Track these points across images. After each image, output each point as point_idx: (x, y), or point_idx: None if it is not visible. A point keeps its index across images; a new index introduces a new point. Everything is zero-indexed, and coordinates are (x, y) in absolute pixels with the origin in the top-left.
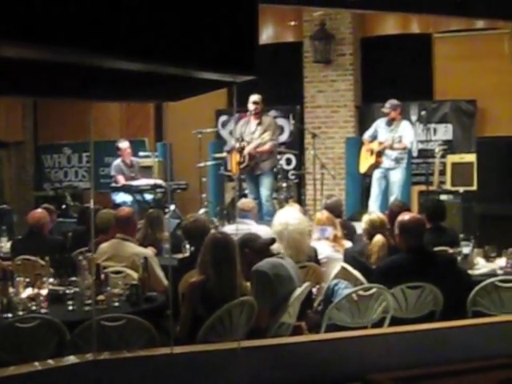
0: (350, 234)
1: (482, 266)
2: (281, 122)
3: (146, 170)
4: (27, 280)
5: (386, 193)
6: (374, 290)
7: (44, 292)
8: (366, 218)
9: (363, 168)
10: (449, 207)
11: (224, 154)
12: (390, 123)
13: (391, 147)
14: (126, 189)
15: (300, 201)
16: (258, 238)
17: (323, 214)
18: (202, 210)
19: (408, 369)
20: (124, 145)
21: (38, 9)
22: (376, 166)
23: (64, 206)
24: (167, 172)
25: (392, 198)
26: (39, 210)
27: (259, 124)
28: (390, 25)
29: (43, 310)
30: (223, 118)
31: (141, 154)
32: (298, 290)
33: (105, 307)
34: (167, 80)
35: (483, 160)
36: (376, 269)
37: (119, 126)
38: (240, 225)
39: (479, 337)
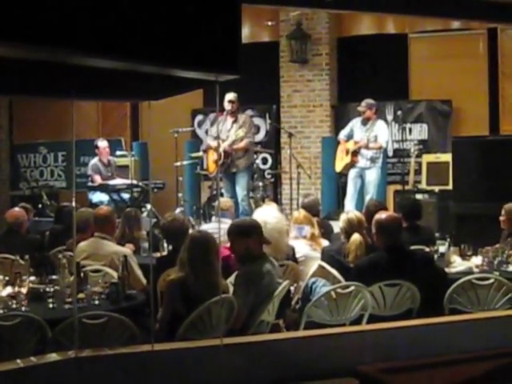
0: (327, 232)
1: (458, 264)
2: (257, 121)
3: (123, 170)
4: (6, 278)
5: (361, 192)
6: (352, 288)
7: (24, 290)
8: (343, 216)
9: (339, 167)
10: (425, 206)
11: (200, 154)
12: (365, 122)
13: (366, 147)
14: (102, 188)
15: (276, 200)
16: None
17: (301, 213)
18: (178, 210)
19: None
20: (103, 144)
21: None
22: (351, 165)
23: (40, 206)
24: (145, 171)
25: (368, 198)
26: (17, 209)
27: (235, 122)
28: (365, 25)
29: (24, 308)
30: (199, 117)
31: (117, 153)
32: (278, 289)
33: (85, 305)
34: (151, 79)
35: (458, 159)
36: (354, 267)
37: (95, 125)
38: (217, 223)
39: (456, 334)
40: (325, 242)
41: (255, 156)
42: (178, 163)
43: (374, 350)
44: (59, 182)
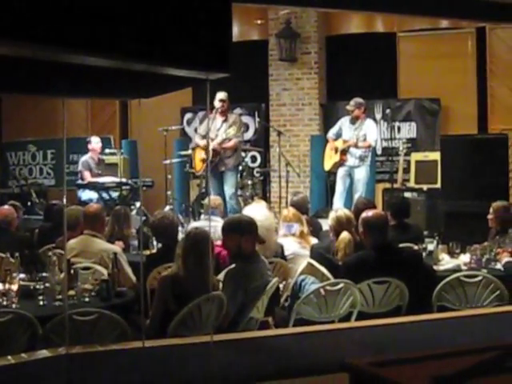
0: (315, 230)
1: (446, 261)
2: (246, 119)
3: (112, 168)
4: None
5: (350, 190)
6: (341, 285)
7: (14, 287)
8: (332, 214)
9: (327, 166)
10: (413, 204)
11: (189, 152)
12: (353, 121)
13: (356, 146)
14: (91, 186)
15: (265, 198)
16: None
17: (290, 211)
18: (167, 208)
19: None
20: (96, 141)
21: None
22: (340, 163)
23: (29, 203)
24: (134, 169)
25: (356, 196)
26: (6, 207)
27: (225, 121)
28: (354, 23)
29: (14, 305)
30: (188, 115)
31: (106, 151)
32: (268, 286)
33: (75, 302)
34: (141, 77)
35: (447, 158)
36: (342, 265)
37: (84, 123)
38: (207, 221)
39: (444, 330)
40: (314, 240)
41: (244, 154)
42: (167, 161)
43: (363, 347)
44: (48, 180)
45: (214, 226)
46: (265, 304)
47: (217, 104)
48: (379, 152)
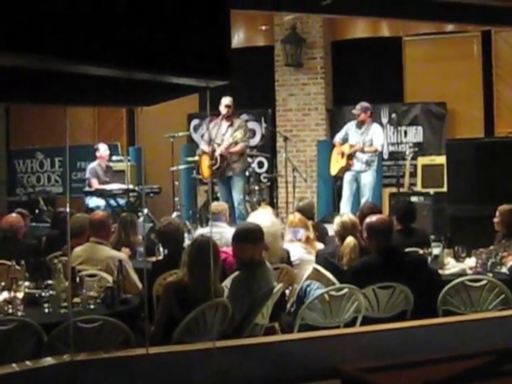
0: (321, 235)
1: (452, 266)
2: (252, 125)
3: (119, 174)
4: (3, 284)
5: (357, 195)
6: (345, 291)
7: (20, 295)
8: (337, 219)
9: (334, 170)
10: (419, 209)
11: (196, 158)
12: (360, 126)
13: (362, 150)
14: (99, 193)
15: (272, 203)
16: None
17: (295, 216)
18: (174, 214)
19: None
20: (104, 148)
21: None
22: (347, 168)
23: (37, 211)
24: (140, 176)
25: (363, 200)
26: (13, 215)
27: (230, 125)
28: (360, 28)
29: (20, 313)
30: (195, 121)
31: (114, 158)
32: (273, 292)
33: (81, 309)
34: (142, 85)
35: (453, 162)
36: (347, 270)
37: (91, 130)
38: (213, 228)
39: (449, 335)
40: (319, 245)
41: (251, 160)
42: (175, 168)
43: (368, 352)
44: (56, 188)
45: (219, 232)
46: (269, 310)
47: (222, 110)
48: (386, 156)
